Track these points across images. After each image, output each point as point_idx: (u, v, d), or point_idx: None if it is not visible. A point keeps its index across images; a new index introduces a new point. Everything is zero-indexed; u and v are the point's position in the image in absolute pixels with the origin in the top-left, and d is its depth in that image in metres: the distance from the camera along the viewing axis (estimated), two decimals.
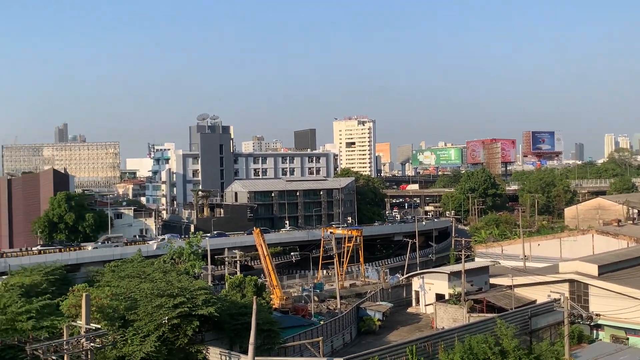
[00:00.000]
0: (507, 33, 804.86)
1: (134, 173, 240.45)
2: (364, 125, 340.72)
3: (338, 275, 77.30)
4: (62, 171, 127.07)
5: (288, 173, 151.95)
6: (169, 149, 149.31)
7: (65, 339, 29.84)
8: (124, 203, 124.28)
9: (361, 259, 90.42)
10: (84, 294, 32.19)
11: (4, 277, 62.71)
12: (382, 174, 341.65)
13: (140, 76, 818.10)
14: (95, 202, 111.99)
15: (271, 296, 64.61)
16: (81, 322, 30.93)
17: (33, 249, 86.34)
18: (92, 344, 28.96)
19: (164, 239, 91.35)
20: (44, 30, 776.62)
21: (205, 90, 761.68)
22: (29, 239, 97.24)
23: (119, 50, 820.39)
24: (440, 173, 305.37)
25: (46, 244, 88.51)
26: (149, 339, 36.41)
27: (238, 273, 70.17)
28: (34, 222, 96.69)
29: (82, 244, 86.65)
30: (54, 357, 29.12)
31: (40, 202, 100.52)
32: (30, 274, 57.06)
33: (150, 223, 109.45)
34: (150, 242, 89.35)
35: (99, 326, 32.05)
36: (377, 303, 64.83)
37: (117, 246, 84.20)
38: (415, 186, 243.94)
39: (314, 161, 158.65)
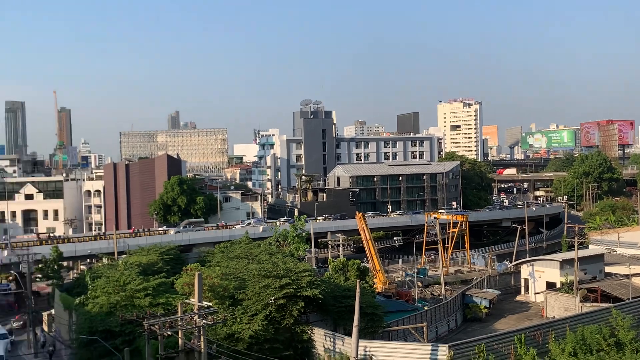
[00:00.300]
0: (623, 4, 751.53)
1: (241, 158, 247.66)
2: (469, 107, 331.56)
3: (442, 261, 76.09)
4: (175, 156, 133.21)
5: (390, 157, 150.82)
6: (273, 135, 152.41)
7: (179, 315, 31.33)
8: (232, 187, 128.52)
9: (466, 245, 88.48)
10: (196, 274, 33.61)
11: (123, 256, 66.83)
12: (488, 158, 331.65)
13: (246, 65, 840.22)
14: (205, 186, 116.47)
15: (374, 280, 64.71)
16: (194, 300, 32.35)
17: (160, 229, 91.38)
18: (204, 321, 30.20)
19: (250, 223, 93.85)
20: (163, 22, 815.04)
21: (308, 76, 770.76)
22: (146, 220, 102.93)
23: (226, 41, 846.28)
24: (551, 156, 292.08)
25: (170, 225, 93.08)
26: (257, 317, 37.52)
27: (341, 257, 70.75)
28: (150, 205, 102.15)
29: (166, 229, 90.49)
30: (169, 332, 30.67)
31: (155, 185, 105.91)
32: (146, 254, 60.43)
33: (257, 206, 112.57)
34: (237, 227, 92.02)
35: (210, 304, 33.37)
36: (484, 290, 63.33)
37: (198, 230, 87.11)
38: (513, 170, 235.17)
39: (417, 145, 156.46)
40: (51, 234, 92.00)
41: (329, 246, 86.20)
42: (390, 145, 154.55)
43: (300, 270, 41.34)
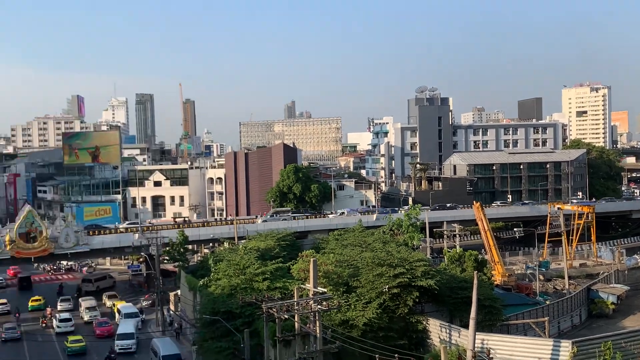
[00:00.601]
0: None
1: (355, 146, 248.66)
2: (597, 92, 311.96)
3: (566, 253, 72.44)
4: (291, 145, 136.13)
5: (511, 145, 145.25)
6: (387, 123, 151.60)
7: (295, 300, 32.07)
8: (346, 175, 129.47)
9: (593, 238, 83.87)
10: (311, 260, 34.22)
11: (242, 241, 69.43)
12: (618, 146, 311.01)
13: (360, 53, 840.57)
14: (320, 174, 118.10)
15: (492, 272, 62.91)
16: (309, 286, 32.97)
17: (248, 217, 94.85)
18: (319, 306, 30.69)
19: (343, 212, 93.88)
20: (279, 15, 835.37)
21: (424, 63, 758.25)
22: (263, 207, 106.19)
23: (340, 30, 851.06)
24: None
25: (296, 212, 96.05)
26: (371, 305, 37.61)
27: (457, 247, 69.35)
28: (267, 192, 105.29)
29: (253, 217, 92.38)
30: (286, 316, 31.48)
31: (272, 173, 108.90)
32: (264, 239, 62.33)
33: (370, 195, 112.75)
34: (331, 216, 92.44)
35: (325, 290, 33.88)
36: (611, 285, 59.73)
37: (285, 219, 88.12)
38: (632, 159, 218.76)
39: (540, 132, 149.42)
40: (186, 218, 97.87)
41: (445, 236, 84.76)
42: (510, 132, 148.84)
43: (414, 260, 40.93)
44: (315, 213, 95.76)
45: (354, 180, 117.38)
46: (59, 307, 69.34)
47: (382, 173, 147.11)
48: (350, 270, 42.24)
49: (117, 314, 63.79)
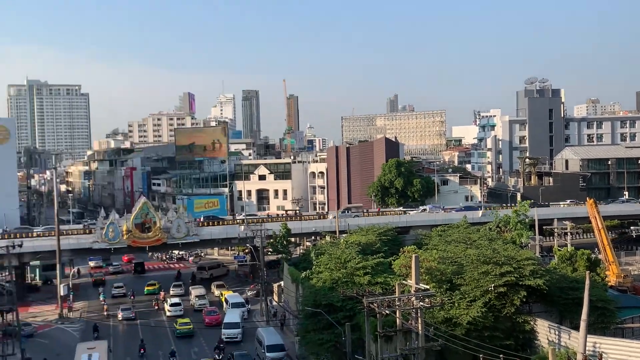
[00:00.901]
0: None
1: (459, 140, 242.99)
2: None
3: None
4: (393, 139, 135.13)
5: (628, 139, 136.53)
6: (494, 116, 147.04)
7: (397, 295, 31.76)
8: (450, 170, 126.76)
9: None
10: (413, 256, 33.74)
11: (344, 235, 69.73)
12: None
13: (465, 45, 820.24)
14: (423, 168, 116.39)
15: (606, 272, 59.47)
16: (411, 282, 32.52)
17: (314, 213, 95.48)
18: (421, 303, 30.21)
19: (425, 209, 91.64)
20: (379, 9, 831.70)
21: (533, 53, 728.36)
22: (365, 201, 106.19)
23: (440, 23, 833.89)
24: None
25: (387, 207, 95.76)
26: (475, 304, 36.59)
27: (569, 245, 66.10)
28: (368, 187, 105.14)
29: (324, 213, 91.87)
30: (387, 311, 31.25)
31: (374, 168, 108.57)
32: (366, 234, 62.21)
33: (475, 190, 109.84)
34: (411, 213, 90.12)
35: (428, 287, 33.31)
36: None
37: (357, 216, 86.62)
38: None
39: None
40: (297, 210, 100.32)
41: (555, 234, 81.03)
42: (627, 125, 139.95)
43: (522, 258, 39.36)
44: (386, 210, 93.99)
45: (458, 175, 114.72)
46: (171, 292, 73.33)
47: (489, 168, 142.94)
48: (453, 268, 41.31)
49: (224, 304, 65.98)
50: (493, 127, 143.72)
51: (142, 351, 52.07)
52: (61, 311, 66.68)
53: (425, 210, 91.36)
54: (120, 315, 64.64)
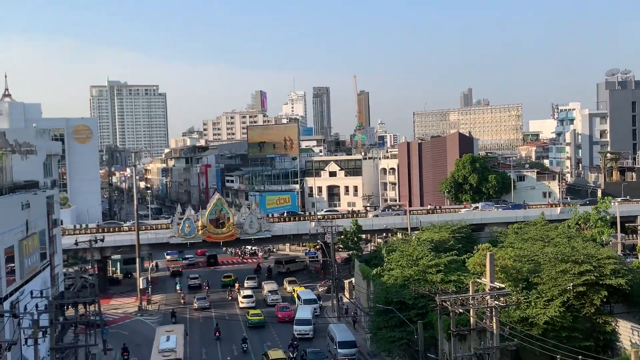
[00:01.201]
0: None
1: (537, 135, 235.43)
2: None
3: None
4: (467, 134, 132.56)
5: None
6: (573, 109, 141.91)
7: (471, 294, 31.12)
8: (526, 165, 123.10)
9: None
10: (488, 253, 32.99)
11: (416, 232, 68.98)
12: None
13: (542, 36, 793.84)
14: (498, 164, 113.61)
15: None
16: (485, 280, 31.80)
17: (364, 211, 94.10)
18: (496, 302, 29.50)
19: (477, 207, 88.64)
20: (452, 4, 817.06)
21: (614, 43, 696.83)
22: (437, 198, 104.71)
23: (513, 13, 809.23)
24: None
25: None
26: (553, 303, 35.40)
27: None
28: (441, 183, 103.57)
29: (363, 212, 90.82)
30: (460, 310, 30.68)
31: (447, 163, 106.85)
32: (438, 231, 61.30)
33: (554, 186, 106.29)
34: (463, 210, 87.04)
35: (503, 285, 32.48)
36: None
37: (398, 214, 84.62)
38: None
39: None
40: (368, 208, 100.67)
41: (639, 232, 77.34)
42: None
43: (603, 257, 37.72)
44: (434, 208, 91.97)
45: (535, 170, 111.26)
46: (245, 285, 75.30)
47: (568, 163, 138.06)
48: (530, 266, 40.10)
49: (296, 300, 66.32)
50: (572, 120, 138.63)
51: (217, 334, 56.57)
52: (140, 303, 69.21)
53: (477, 208, 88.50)
54: (196, 304, 67.95)
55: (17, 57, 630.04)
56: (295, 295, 68.04)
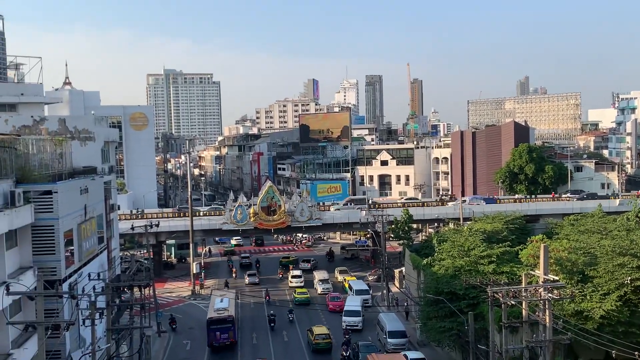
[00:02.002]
0: None
1: (596, 124, 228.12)
2: None
3: None
4: (523, 123, 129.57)
5: None
6: (635, 98, 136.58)
7: (523, 286, 30.54)
8: (585, 156, 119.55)
9: None
10: (542, 245, 32.27)
11: (468, 222, 68.05)
12: None
13: (601, 22, 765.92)
14: (555, 154, 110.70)
15: None
16: (539, 272, 31.14)
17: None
18: (549, 295, 28.88)
19: (465, 200, 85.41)
20: None
21: None
22: (491, 188, 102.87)
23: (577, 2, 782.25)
24: None
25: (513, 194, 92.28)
26: (610, 297, 34.38)
27: None
28: (495, 173, 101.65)
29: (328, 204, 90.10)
30: (512, 302, 30.16)
31: (502, 153, 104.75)
32: (491, 221, 60.37)
33: (613, 177, 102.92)
34: (450, 204, 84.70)
35: (557, 278, 31.74)
36: None
37: (360, 209, 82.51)
38: None
39: None
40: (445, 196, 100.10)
41: None
42: None
43: None
44: (412, 202, 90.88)
45: (594, 161, 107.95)
46: (300, 266, 78.81)
47: (628, 154, 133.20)
48: (586, 259, 39.04)
49: (348, 290, 65.93)
50: (634, 109, 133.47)
51: (267, 298, 64.41)
52: (194, 288, 70.74)
53: (465, 201, 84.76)
54: (247, 280, 73.63)
55: (78, 47, 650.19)
56: (347, 285, 67.88)
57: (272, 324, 56.24)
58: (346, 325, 53.59)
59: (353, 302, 57.97)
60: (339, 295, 64.33)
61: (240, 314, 59.41)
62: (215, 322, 50.60)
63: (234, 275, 77.83)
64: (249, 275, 74.69)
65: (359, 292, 62.58)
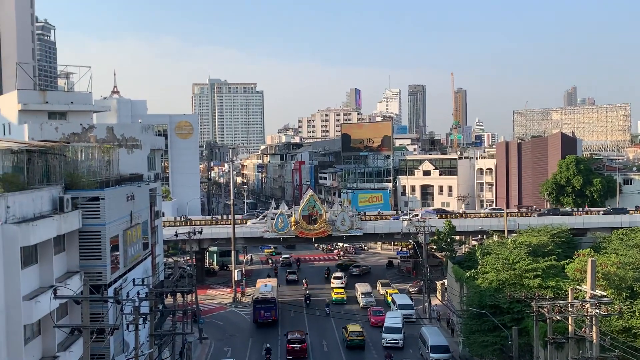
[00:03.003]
0: None
1: None
2: None
3: None
4: (570, 134, 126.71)
5: None
6: None
7: (570, 301, 29.76)
8: (634, 169, 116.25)
9: None
10: (589, 260, 31.42)
11: (513, 235, 66.74)
12: None
13: None
14: (603, 166, 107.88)
15: None
16: (586, 287, 30.31)
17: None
18: (597, 310, 28.07)
19: (416, 215, 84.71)
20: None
21: None
22: (537, 200, 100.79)
23: (622, 9, 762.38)
24: None
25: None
26: None
27: None
28: (542, 184, 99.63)
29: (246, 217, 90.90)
30: (558, 317, 29.41)
31: (548, 165, 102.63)
32: (537, 234, 59.05)
33: None
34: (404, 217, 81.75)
35: (604, 293, 30.84)
36: None
37: (273, 219, 79.73)
38: None
39: None
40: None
41: None
42: None
43: None
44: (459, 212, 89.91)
45: None
46: (350, 270, 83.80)
47: None
48: (635, 274, 37.79)
49: (391, 304, 63.67)
50: None
51: (307, 302, 67.56)
52: (235, 295, 71.27)
53: (417, 216, 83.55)
54: (288, 277, 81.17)
55: (127, 55, 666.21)
56: (390, 299, 65.78)
57: (308, 302, 65.71)
58: (386, 342, 52.22)
59: (394, 318, 55.88)
60: (381, 309, 61.78)
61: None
62: (260, 302, 60.43)
63: (275, 272, 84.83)
64: (289, 273, 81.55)
65: (403, 307, 60.85)
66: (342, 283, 73.63)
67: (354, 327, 53.50)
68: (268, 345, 51.19)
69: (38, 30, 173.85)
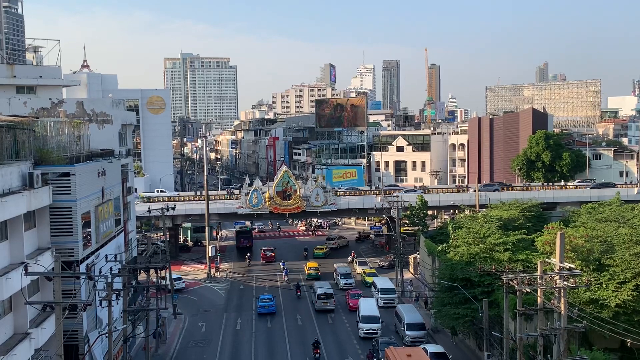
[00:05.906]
0: None
1: (616, 112, 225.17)
2: None
3: None
4: (541, 110, 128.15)
5: None
6: None
7: (539, 274, 30.38)
8: (603, 144, 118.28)
9: None
10: (558, 233, 32.02)
11: (484, 209, 67.64)
12: None
13: (622, 5, 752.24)
14: (573, 141, 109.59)
15: None
16: (555, 260, 30.94)
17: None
18: (565, 283, 28.71)
19: (404, 190, 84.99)
20: None
21: None
22: (508, 175, 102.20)
23: None
24: None
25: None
26: (626, 286, 34.08)
27: None
28: (512, 160, 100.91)
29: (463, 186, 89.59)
30: (527, 289, 30.02)
31: (519, 140, 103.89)
32: (508, 209, 59.84)
33: (632, 165, 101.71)
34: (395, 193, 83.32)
35: (573, 266, 31.53)
36: None
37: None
38: None
39: None
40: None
41: None
42: None
43: None
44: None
45: (612, 149, 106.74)
46: (325, 244, 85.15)
47: None
48: (602, 247, 38.64)
49: (372, 288, 60.58)
50: None
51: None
52: (209, 271, 71.29)
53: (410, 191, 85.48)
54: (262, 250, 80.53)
55: (96, 30, 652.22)
56: (370, 280, 62.59)
57: (299, 293, 62.68)
58: (364, 333, 48.38)
59: (370, 307, 50.62)
60: (360, 292, 58.77)
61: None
62: (241, 233, 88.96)
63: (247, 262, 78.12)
64: (264, 250, 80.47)
65: (384, 291, 57.64)
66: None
67: (311, 264, 71.13)
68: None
69: (5, 2, 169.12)
